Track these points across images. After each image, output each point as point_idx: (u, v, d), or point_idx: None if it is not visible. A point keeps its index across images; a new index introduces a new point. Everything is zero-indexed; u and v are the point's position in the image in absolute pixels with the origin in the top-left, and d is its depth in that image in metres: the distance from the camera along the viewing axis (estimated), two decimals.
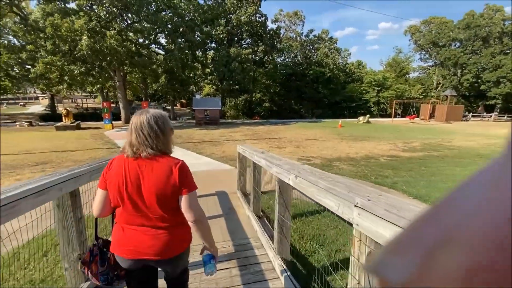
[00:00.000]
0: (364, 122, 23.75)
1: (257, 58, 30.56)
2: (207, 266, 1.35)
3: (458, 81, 30.99)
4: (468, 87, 30.20)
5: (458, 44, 33.20)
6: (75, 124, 17.64)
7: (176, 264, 1.36)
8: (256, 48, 26.85)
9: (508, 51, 27.25)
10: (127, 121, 21.02)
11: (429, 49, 35.72)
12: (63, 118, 18.28)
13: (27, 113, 31.58)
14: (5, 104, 44.24)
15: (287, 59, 37.29)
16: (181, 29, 19.46)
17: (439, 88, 35.98)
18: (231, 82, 25.71)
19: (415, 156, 9.12)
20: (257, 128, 18.30)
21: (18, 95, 43.34)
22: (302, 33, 36.65)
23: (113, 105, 23.71)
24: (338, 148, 10.51)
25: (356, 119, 25.51)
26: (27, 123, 20.45)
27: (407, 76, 40.20)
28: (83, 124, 19.69)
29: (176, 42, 18.50)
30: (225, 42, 26.00)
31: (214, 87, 31.48)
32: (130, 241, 1.25)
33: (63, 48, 14.11)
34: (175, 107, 32.01)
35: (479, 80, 29.42)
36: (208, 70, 24.90)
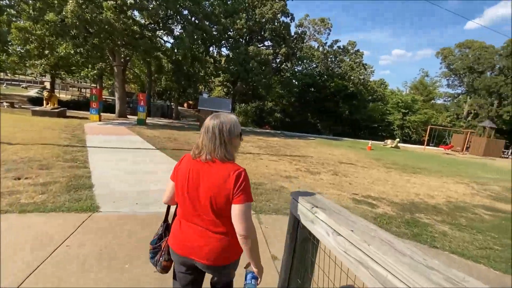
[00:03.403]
0: (392, 147, 20.50)
1: (273, 64, 27.81)
2: (246, 284, 1.32)
3: (496, 112, 27.75)
4: (507, 121, 26.91)
5: (495, 72, 30.11)
6: (57, 110, 14.68)
7: (222, 274, 1.34)
8: (278, 50, 24.06)
9: None
10: (121, 114, 18.01)
11: (463, 75, 32.68)
12: (44, 102, 15.38)
13: (25, 95, 29.04)
14: (5, 84, 42.00)
15: (306, 69, 34.47)
16: (195, 17, 16.71)
17: (469, 118, 32.67)
18: (246, 84, 22.78)
19: None
20: (271, 140, 15.13)
21: (19, 76, 41.11)
22: (326, 43, 33.98)
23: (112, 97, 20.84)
24: (395, 183, 7.28)
25: (382, 142, 22.26)
26: (7, 104, 17.73)
27: (433, 101, 37.04)
28: (72, 113, 16.81)
29: (188, 29, 15.63)
30: (243, 39, 23.26)
31: (225, 89, 28.59)
32: (183, 237, 1.29)
33: (47, 18, 11.30)
34: (181, 107, 29.19)
35: None
36: (221, 67, 22.03)
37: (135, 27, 13.66)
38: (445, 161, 14.96)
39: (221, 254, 1.25)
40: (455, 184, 8.25)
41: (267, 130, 24.54)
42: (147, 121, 16.17)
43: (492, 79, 27.74)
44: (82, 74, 18.95)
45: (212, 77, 22.69)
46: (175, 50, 15.68)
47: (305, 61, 34.08)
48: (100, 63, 15.28)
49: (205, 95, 18.75)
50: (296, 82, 33.16)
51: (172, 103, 26.37)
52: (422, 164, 12.26)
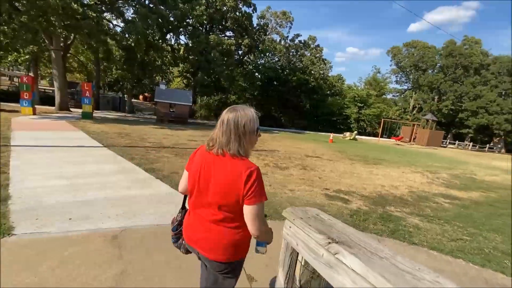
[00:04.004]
0: (351, 139, 21.54)
1: (236, 56, 27.02)
2: (258, 244, 1.31)
3: (437, 106, 31.08)
4: (446, 114, 30.35)
5: (437, 70, 33.63)
6: None
7: (221, 273, 1.27)
8: (240, 41, 23.26)
9: (488, 82, 27.94)
10: (62, 107, 15.65)
11: (409, 72, 35.80)
12: None
13: None
14: None
15: (268, 62, 34.36)
16: (149, 0, 15.10)
17: (414, 111, 36.06)
18: (207, 75, 21.61)
19: (475, 197, 6.29)
20: None
21: None
22: (288, 36, 34.16)
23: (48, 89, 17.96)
24: (361, 175, 7.34)
25: (341, 135, 23.26)
26: None
27: (384, 96, 40.05)
28: (3, 105, 14.07)
29: (141, 12, 14.02)
30: (204, 27, 21.93)
31: (185, 80, 26.98)
32: (191, 228, 1.30)
33: None
34: (136, 100, 26.78)
35: (458, 108, 29.76)
36: (180, 56, 20.52)
37: (76, 6, 11.70)
38: (399, 151, 16.08)
39: (222, 250, 1.22)
40: (412, 174, 8.70)
41: None
42: (94, 114, 14.29)
43: (434, 76, 30.95)
44: (10, 59, 15.91)
45: (170, 67, 21.07)
46: (126, 35, 13.98)
47: (267, 54, 33.86)
48: (32, 46, 12.89)
49: (162, 86, 17.28)
50: (259, 75, 32.86)
51: (125, 95, 24.00)
52: (381, 155, 12.89)
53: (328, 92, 34.55)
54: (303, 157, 9.40)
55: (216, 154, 1.19)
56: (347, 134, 22.88)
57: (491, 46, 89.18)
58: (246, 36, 22.96)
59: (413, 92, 35.99)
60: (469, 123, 29.36)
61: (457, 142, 30.47)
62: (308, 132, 25.28)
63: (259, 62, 33.53)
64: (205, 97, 28.18)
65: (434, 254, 3.22)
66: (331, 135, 18.02)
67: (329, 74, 38.33)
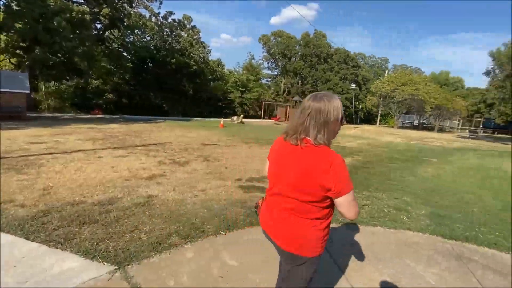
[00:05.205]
0: (238, 122, 22.20)
1: (95, 31, 21.55)
2: None
3: (301, 89, 37.08)
4: (307, 95, 36.60)
5: (298, 58, 39.70)
6: None
7: (292, 267, 1.26)
8: (97, 9, 18.25)
9: (333, 69, 35.70)
10: None
11: (278, 59, 40.43)
12: None
13: None
14: None
15: (139, 41, 29.75)
16: None
17: (285, 94, 41.56)
18: (52, 52, 15.88)
19: (349, 162, 7.50)
20: (109, 128, 11.64)
21: None
22: (159, 13, 30.42)
23: None
24: (263, 158, 7.24)
25: (229, 119, 23.61)
26: None
27: (260, 81, 43.83)
28: None
29: None
30: None
31: (13, 59, 19.09)
32: (267, 214, 1.32)
33: None
34: None
35: (315, 90, 36.63)
36: None
37: None
38: (281, 130, 17.82)
39: (295, 240, 1.20)
40: None
41: (99, 116, 19.29)
42: None
43: (297, 63, 36.57)
44: None
45: None
46: None
47: (136, 31, 29.09)
48: None
49: None
50: (129, 56, 27.95)
51: None
52: (269, 135, 13.71)
53: (211, 77, 34.04)
54: (201, 146, 8.48)
55: (295, 143, 1.16)
56: (235, 118, 23.43)
57: (332, 39, 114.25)
58: (104, 5, 18.33)
59: (283, 77, 41.28)
60: None
61: None
62: (195, 118, 24.10)
63: (127, 40, 28.42)
64: (53, 82, 21.22)
65: (358, 227, 3.27)
66: (221, 120, 17.77)
67: (209, 59, 37.75)
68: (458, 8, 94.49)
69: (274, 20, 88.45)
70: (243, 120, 23.12)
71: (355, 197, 1.12)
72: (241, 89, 33.19)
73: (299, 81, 39.04)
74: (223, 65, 40.11)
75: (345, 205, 1.10)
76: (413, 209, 3.96)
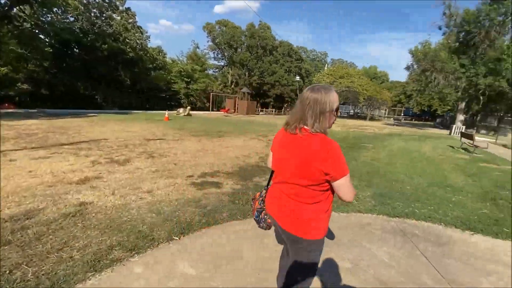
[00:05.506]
0: (185, 115, 21.09)
1: None
2: None
3: (249, 81, 37.06)
4: (255, 87, 37.04)
5: (244, 49, 39.41)
6: None
7: (297, 249, 1.35)
8: None
9: (278, 61, 36.54)
10: None
11: (224, 49, 39.46)
12: None
13: None
14: None
15: (59, 22, 25.37)
16: None
17: (232, 85, 41.14)
18: None
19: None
20: (24, 124, 9.67)
21: None
22: None
23: None
24: (214, 151, 7.01)
25: (175, 111, 22.26)
26: None
27: (207, 71, 42.36)
28: None
29: None
30: None
31: None
32: (272, 201, 1.41)
33: None
34: None
35: (262, 82, 37.05)
36: None
37: None
38: (230, 122, 17.56)
39: (298, 223, 1.27)
40: (251, 140, 9.53)
41: (10, 110, 16.00)
42: None
43: (243, 54, 36.30)
44: None
45: None
46: None
47: (55, 10, 24.65)
48: None
49: None
50: (47, 39, 23.64)
51: None
52: (218, 127, 13.33)
53: (151, 66, 31.35)
54: (143, 141, 7.68)
55: (294, 132, 1.25)
56: (181, 110, 22.17)
57: (277, 32, 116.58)
58: None
59: (230, 68, 40.62)
60: (270, 93, 38.00)
61: (264, 109, 38.61)
62: (135, 111, 21.97)
63: (43, 20, 23.93)
64: None
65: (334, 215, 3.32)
66: (166, 112, 16.52)
67: (148, 46, 34.60)
68: (384, 9, 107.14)
69: (218, 9, 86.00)
70: (191, 112, 22.04)
71: (350, 183, 1.20)
72: (186, 79, 31.52)
73: (246, 73, 39.02)
74: (165, 54, 37.48)
75: (342, 188, 1.18)
76: (360, 192, 4.24)
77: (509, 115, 19.74)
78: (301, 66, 44.45)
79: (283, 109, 40.87)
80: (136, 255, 2.25)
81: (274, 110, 39.28)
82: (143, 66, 28.56)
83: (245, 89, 31.53)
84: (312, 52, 59.11)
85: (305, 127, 1.21)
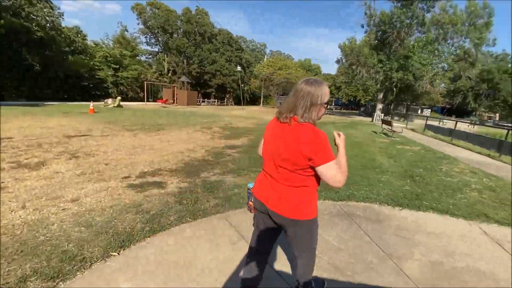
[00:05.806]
0: (115, 106, 18.85)
1: None
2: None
3: (188, 69, 34.95)
4: (195, 76, 35.21)
5: (181, 35, 36.86)
6: None
7: (295, 231, 1.40)
8: None
9: (218, 50, 35.26)
10: None
11: (158, 34, 36.18)
12: None
13: None
14: None
15: None
16: None
17: (169, 74, 38.43)
18: None
19: (247, 142, 7.77)
20: None
21: None
22: None
23: None
24: (153, 146, 6.42)
25: (102, 102, 19.64)
26: None
27: (139, 58, 38.43)
28: None
29: None
30: None
31: None
32: (262, 186, 1.47)
33: None
34: None
35: (203, 71, 35.43)
36: None
37: None
38: (170, 114, 16.41)
39: (292, 206, 1.34)
40: (195, 133, 9.08)
41: None
42: None
43: (180, 40, 33.90)
44: None
45: None
46: None
47: None
48: None
49: None
50: None
51: None
52: (156, 120, 12.30)
53: (68, 49, 26.59)
54: (63, 139, 6.48)
55: (284, 121, 1.32)
56: (109, 101, 19.68)
57: (216, 19, 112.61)
58: None
59: (165, 55, 37.63)
60: (211, 83, 36.80)
61: (206, 100, 37.36)
62: (50, 103, 18.54)
63: None
64: None
65: None
66: (91, 103, 14.30)
67: (63, 25, 29.16)
68: (318, 7, 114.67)
69: None
70: (121, 103, 19.76)
71: (335, 168, 1.25)
72: (113, 65, 27.96)
73: (185, 61, 36.83)
74: (85, 35, 32.33)
75: (325, 173, 1.25)
76: None
77: (414, 104, 23.83)
78: (241, 56, 44.32)
79: (225, 100, 40.37)
80: (61, 283, 1.81)
81: (216, 100, 38.44)
82: (57, 48, 24.05)
83: (184, 78, 29.87)
84: (251, 42, 59.51)
85: (295, 116, 1.29)
